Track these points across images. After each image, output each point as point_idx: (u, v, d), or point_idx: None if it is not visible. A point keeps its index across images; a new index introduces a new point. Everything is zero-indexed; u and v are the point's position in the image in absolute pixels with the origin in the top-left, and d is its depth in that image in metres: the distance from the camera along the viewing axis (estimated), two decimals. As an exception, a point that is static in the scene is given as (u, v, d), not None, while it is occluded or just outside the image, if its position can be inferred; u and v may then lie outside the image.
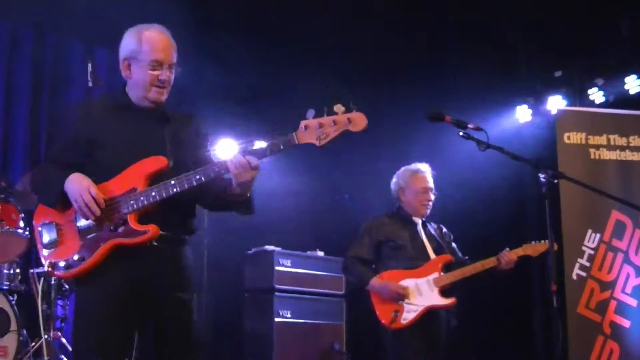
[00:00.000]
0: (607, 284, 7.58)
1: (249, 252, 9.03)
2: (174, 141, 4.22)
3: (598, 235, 7.48)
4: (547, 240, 6.01)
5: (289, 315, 8.60)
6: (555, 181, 4.93)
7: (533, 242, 6.43)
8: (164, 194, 4.02)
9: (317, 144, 3.99)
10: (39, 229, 4.19)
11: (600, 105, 8.93)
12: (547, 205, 4.85)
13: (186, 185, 4.03)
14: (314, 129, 3.98)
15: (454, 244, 6.62)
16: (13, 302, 6.56)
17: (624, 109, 8.29)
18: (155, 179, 4.08)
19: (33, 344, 6.77)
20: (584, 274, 7.56)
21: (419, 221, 6.50)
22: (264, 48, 8.68)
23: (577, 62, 9.13)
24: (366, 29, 8.94)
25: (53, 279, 6.88)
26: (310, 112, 3.73)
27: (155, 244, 4.05)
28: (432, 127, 5.61)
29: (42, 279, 6.93)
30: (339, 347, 8.80)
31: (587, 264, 7.51)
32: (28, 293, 7.14)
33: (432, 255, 6.35)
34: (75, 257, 4.04)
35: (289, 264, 8.83)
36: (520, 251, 6.40)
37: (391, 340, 6.20)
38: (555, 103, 9.12)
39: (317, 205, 10.03)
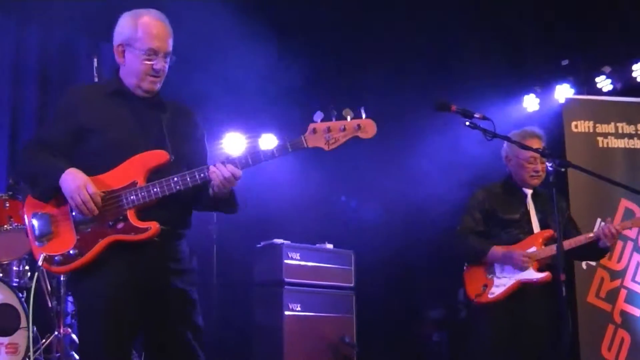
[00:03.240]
0: (616, 273, 7.57)
1: (258, 245, 9.02)
2: (172, 132, 4.16)
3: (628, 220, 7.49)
4: None
5: (298, 309, 8.59)
6: (563, 170, 4.91)
7: None
8: (166, 191, 3.98)
9: (326, 148, 4.01)
10: (32, 219, 4.07)
11: (608, 94, 8.86)
12: (554, 194, 4.82)
13: (190, 183, 3.99)
14: (322, 133, 4.00)
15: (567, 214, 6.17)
16: (23, 299, 6.55)
17: (632, 96, 8.28)
18: (155, 172, 4.03)
19: (43, 340, 6.79)
20: (593, 263, 7.54)
21: (529, 192, 6.03)
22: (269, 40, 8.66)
23: (583, 50, 9.08)
24: (373, 20, 8.93)
25: (62, 275, 6.88)
26: (319, 115, 3.74)
27: (155, 238, 3.99)
28: (438, 117, 5.60)
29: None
30: (349, 340, 8.79)
31: (597, 253, 7.49)
32: (37, 290, 7.15)
33: (536, 229, 5.92)
34: (72, 252, 3.94)
35: (298, 257, 8.80)
36: (628, 223, 5.97)
37: (474, 316, 5.94)
38: (563, 92, 9.07)
39: (326, 198, 10.02)
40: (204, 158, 4.31)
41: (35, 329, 6.65)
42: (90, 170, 4.00)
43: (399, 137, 9.14)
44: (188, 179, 3.99)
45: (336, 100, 4.17)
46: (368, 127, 4.05)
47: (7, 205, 6.75)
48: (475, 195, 6.13)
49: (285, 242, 8.82)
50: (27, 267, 7.07)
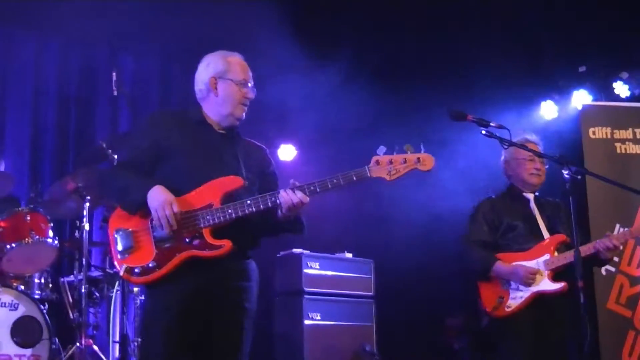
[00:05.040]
0: (636, 279, 7.56)
1: (278, 255, 9.06)
2: (246, 164, 4.53)
3: (626, 230, 7.44)
4: None
5: (318, 318, 8.61)
6: (579, 177, 4.90)
7: None
8: (239, 213, 4.29)
9: (388, 178, 4.40)
10: (115, 234, 4.38)
11: (626, 99, 8.85)
12: (571, 201, 4.82)
13: (262, 206, 4.31)
14: (385, 165, 4.39)
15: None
16: (45, 311, 6.62)
17: (650, 102, 8.27)
18: (229, 197, 4.35)
19: (65, 352, 6.83)
20: (613, 269, 7.54)
21: (531, 196, 6.01)
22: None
23: (601, 56, 9.05)
24: (387, 26, 8.94)
25: (83, 287, 6.94)
26: (381, 149, 4.12)
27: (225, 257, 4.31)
28: (456, 125, 5.59)
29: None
30: (370, 348, 8.80)
31: (616, 259, 7.46)
32: (59, 302, 7.21)
33: (545, 234, 5.84)
34: (151, 264, 4.28)
35: (318, 267, 8.84)
36: (623, 235, 5.88)
37: (497, 329, 5.78)
38: (581, 98, 9.05)
39: (344, 207, 10.02)
40: (275, 188, 4.59)
41: (57, 340, 6.70)
42: (170, 191, 4.33)
43: (417, 144, 9.14)
44: (260, 202, 4.31)
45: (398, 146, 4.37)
46: (427, 161, 4.43)
47: (29, 218, 6.83)
48: (480, 205, 6.09)
49: (305, 251, 8.85)
50: (48, 280, 7.14)
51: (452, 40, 9.03)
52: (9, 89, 8.88)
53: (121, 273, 4.32)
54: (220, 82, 4.55)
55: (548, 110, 9.47)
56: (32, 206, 6.97)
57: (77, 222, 7.35)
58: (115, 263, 4.40)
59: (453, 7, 8.67)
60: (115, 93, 6.95)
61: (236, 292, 4.38)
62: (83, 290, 6.97)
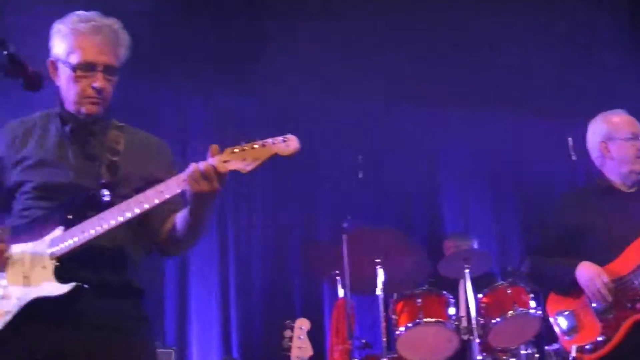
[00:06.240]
0: None
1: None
2: None
3: None
4: None
5: None
6: None
7: None
8: None
9: None
10: (557, 317, 4.60)
11: None
12: None
13: None
14: None
15: None
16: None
17: None
18: None
19: None
20: None
21: None
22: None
23: None
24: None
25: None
26: None
27: None
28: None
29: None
30: None
31: None
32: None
33: None
34: (600, 339, 4.35)
35: None
36: None
37: None
38: None
39: None
40: None
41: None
42: (596, 263, 4.46)
43: None
44: None
45: None
46: None
47: (510, 291, 6.98)
48: None
49: None
50: (534, 349, 7.22)
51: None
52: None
53: (573, 354, 4.41)
54: (610, 144, 4.65)
55: None
56: (511, 279, 7.12)
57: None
58: (563, 345, 4.55)
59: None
60: (573, 157, 7.03)
61: None
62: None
